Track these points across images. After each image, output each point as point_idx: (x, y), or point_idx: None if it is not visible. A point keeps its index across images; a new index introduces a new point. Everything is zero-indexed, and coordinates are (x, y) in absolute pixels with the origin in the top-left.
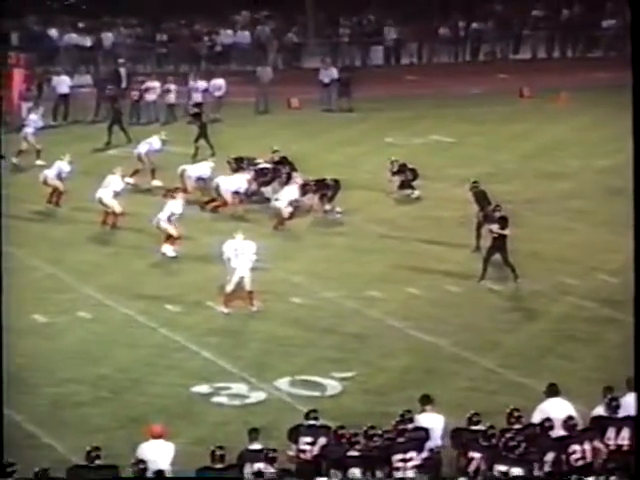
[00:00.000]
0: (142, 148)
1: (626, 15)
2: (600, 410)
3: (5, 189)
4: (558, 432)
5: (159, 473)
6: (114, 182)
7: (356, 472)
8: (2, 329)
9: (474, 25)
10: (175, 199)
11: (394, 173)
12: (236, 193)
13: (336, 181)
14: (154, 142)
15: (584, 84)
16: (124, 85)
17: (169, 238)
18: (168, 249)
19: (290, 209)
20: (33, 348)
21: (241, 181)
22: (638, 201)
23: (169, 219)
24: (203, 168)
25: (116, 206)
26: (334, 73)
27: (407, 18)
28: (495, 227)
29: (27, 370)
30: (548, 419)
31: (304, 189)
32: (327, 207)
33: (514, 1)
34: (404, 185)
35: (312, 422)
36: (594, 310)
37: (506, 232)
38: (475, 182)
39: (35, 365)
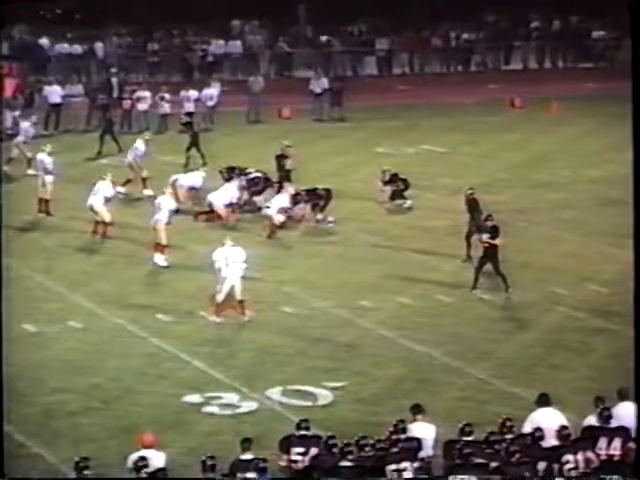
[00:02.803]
0: (130, 156)
1: (616, 26)
2: (592, 420)
3: None
4: (549, 442)
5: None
6: (104, 188)
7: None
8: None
9: (465, 35)
10: (165, 194)
11: (386, 183)
12: (229, 205)
13: (328, 190)
14: (139, 146)
15: (575, 94)
16: (116, 94)
17: (158, 247)
18: (159, 258)
19: (281, 216)
20: (23, 357)
21: (232, 191)
22: (638, 211)
23: (169, 221)
24: (195, 178)
25: (106, 215)
26: (325, 83)
27: (399, 28)
28: (486, 237)
29: (18, 380)
30: (539, 429)
31: (296, 198)
32: (319, 216)
33: (505, 12)
34: (396, 195)
35: (304, 432)
36: (585, 320)
37: (497, 242)
38: (471, 190)
39: (26, 375)
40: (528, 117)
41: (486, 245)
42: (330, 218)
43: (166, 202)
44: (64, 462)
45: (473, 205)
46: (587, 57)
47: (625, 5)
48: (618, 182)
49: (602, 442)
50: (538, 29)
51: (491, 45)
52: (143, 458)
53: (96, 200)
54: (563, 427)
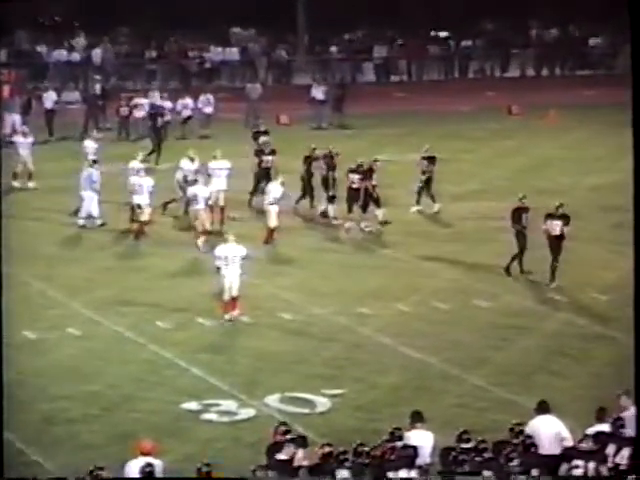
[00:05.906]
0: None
1: (614, 33)
2: (605, 427)
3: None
4: (547, 449)
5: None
6: (145, 183)
7: (345, 473)
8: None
9: (463, 43)
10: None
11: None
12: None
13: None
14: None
15: (572, 102)
16: (111, 101)
17: (202, 233)
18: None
19: (277, 209)
20: (23, 364)
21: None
22: (638, 218)
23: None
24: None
25: (147, 213)
26: (325, 90)
27: (397, 36)
28: (557, 223)
29: (17, 386)
30: (528, 436)
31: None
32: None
33: (503, 19)
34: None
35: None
36: (585, 327)
37: (567, 229)
38: (524, 197)
39: (25, 381)
40: (526, 124)
41: (555, 234)
42: (347, 224)
43: (201, 191)
44: (63, 469)
45: (524, 213)
46: (585, 64)
47: (623, 13)
48: (616, 189)
49: (610, 449)
50: (536, 37)
51: (489, 52)
52: (150, 464)
53: (143, 199)
54: (562, 438)
